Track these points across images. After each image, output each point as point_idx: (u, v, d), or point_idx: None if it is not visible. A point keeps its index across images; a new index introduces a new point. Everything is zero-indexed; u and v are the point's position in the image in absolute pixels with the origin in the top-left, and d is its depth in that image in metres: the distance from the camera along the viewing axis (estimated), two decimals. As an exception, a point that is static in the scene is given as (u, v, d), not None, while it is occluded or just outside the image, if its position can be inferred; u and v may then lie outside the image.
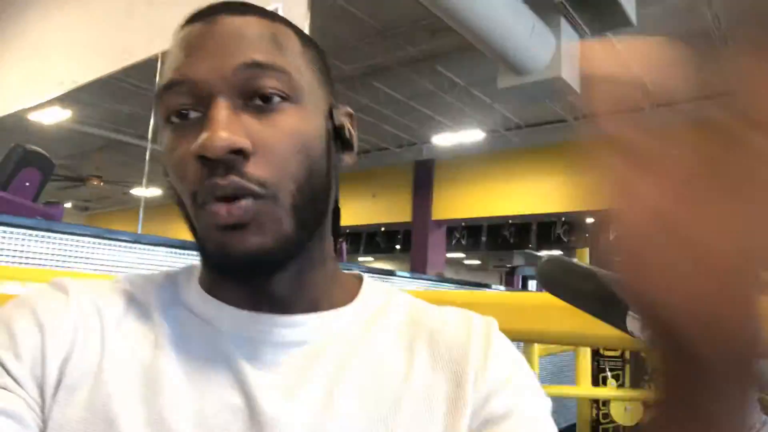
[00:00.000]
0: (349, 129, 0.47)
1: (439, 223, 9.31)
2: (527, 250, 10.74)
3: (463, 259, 13.61)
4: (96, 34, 3.71)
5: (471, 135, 7.47)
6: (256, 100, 0.40)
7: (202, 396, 0.40)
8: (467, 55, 4.93)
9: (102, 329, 0.42)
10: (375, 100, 6.46)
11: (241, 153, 0.38)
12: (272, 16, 0.44)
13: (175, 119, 0.41)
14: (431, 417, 0.41)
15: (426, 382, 0.43)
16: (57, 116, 6.10)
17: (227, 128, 0.38)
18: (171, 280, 0.47)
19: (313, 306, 0.45)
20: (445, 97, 6.36)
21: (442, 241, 9.71)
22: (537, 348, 1.92)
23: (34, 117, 5.64)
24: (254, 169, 0.39)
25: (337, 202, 0.48)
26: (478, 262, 14.63)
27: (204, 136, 0.38)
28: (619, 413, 1.98)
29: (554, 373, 3.34)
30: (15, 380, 0.38)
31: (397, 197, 9.52)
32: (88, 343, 0.41)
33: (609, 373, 2.40)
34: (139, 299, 0.45)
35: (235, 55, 0.40)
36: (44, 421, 0.38)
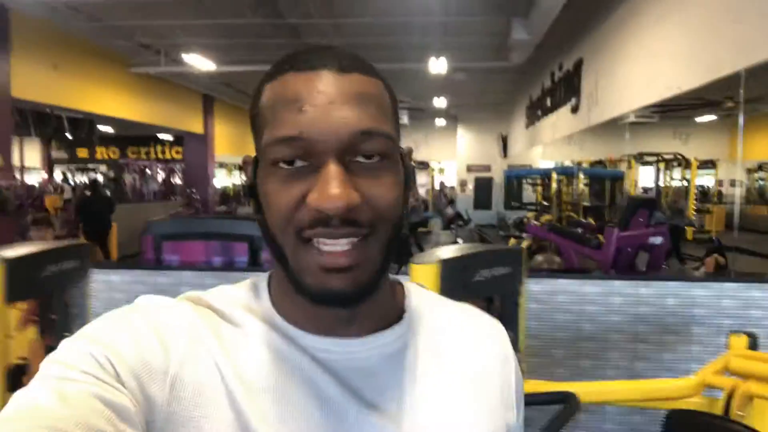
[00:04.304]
0: (414, 172, 0.53)
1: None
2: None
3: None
4: (690, 46, 3.91)
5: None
6: (359, 157, 0.46)
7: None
8: None
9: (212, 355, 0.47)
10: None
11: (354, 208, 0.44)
12: (368, 71, 0.48)
13: (283, 165, 0.46)
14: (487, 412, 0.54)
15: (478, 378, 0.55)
16: None
17: (343, 187, 0.43)
18: (246, 299, 0.52)
19: (372, 324, 0.52)
20: None
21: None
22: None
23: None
24: (363, 215, 0.45)
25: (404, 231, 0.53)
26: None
27: (322, 192, 0.43)
28: None
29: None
30: (121, 381, 0.42)
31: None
32: (201, 364, 0.46)
33: None
34: (231, 319, 0.50)
35: (350, 120, 0.45)
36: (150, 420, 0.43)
